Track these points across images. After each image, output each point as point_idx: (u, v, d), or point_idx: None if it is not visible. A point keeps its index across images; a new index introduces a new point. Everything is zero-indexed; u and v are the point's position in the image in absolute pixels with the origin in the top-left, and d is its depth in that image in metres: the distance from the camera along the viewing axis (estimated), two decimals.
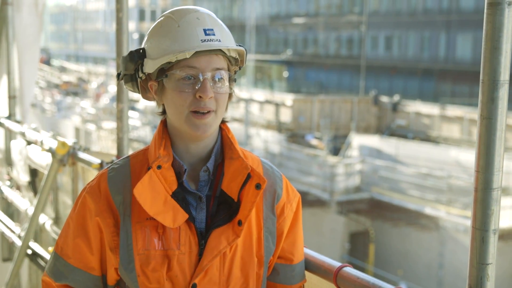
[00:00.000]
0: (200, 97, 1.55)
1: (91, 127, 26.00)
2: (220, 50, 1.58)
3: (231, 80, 1.62)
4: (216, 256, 1.58)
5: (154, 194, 1.56)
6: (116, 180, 1.65)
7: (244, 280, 1.65)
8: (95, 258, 1.66)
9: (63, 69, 51.76)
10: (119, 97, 3.08)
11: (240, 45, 1.64)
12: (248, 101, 28.57)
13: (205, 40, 1.56)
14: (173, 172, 1.61)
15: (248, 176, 1.61)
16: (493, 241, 1.39)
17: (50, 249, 3.62)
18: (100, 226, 1.64)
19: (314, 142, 26.73)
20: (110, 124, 25.24)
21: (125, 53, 2.98)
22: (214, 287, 1.61)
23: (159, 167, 1.58)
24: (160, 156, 1.59)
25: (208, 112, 1.57)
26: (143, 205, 1.55)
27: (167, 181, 1.59)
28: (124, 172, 1.66)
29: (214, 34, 1.58)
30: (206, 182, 1.64)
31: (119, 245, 1.61)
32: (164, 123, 1.67)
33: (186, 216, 1.57)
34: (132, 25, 55.15)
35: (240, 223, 1.59)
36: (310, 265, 1.85)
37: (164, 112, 1.66)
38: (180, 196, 1.60)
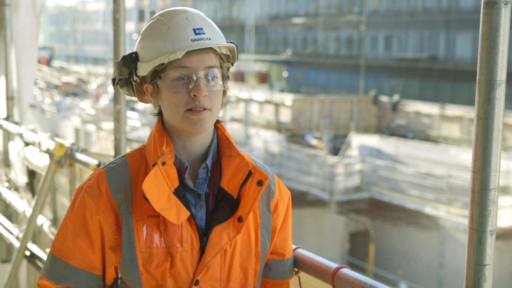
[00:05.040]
0: (194, 95, 1.57)
1: (91, 128, 25.95)
2: (211, 48, 1.60)
3: (224, 77, 1.64)
4: (218, 253, 1.60)
5: (158, 191, 1.57)
6: (116, 178, 1.65)
7: (243, 276, 1.68)
8: (97, 257, 1.65)
9: (62, 70, 51.70)
10: (116, 98, 3.09)
11: (230, 42, 1.66)
12: (247, 101, 28.55)
13: (195, 40, 1.58)
14: (175, 170, 1.62)
15: (249, 174, 1.63)
16: (490, 242, 1.38)
17: (48, 250, 3.60)
18: (101, 225, 1.63)
19: (313, 142, 26.69)
20: (110, 125, 25.16)
21: (123, 53, 2.99)
22: (215, 283, 1.63)
23: (163, 163, 1.59)
24: (165, 153, 1.60)
25: (204, 109, 1.58)
26: (151, 200, 1.55)
27: (170, 178, 1.60)
28: (123, 171, 1.66)
29: (204, 33, 1.59)
30: (204, 180, 1.66)
31: (121, 244, 1.61)
32: (161, 121, 1.67)
33: (188, 213, 1.59)
34: (131, 26, 55.21)
35: (240, 219, 1.62)
36: (307, 267, 1.85)
37: (160, 113, 1.67)
38: (181, 193, 1.61)
